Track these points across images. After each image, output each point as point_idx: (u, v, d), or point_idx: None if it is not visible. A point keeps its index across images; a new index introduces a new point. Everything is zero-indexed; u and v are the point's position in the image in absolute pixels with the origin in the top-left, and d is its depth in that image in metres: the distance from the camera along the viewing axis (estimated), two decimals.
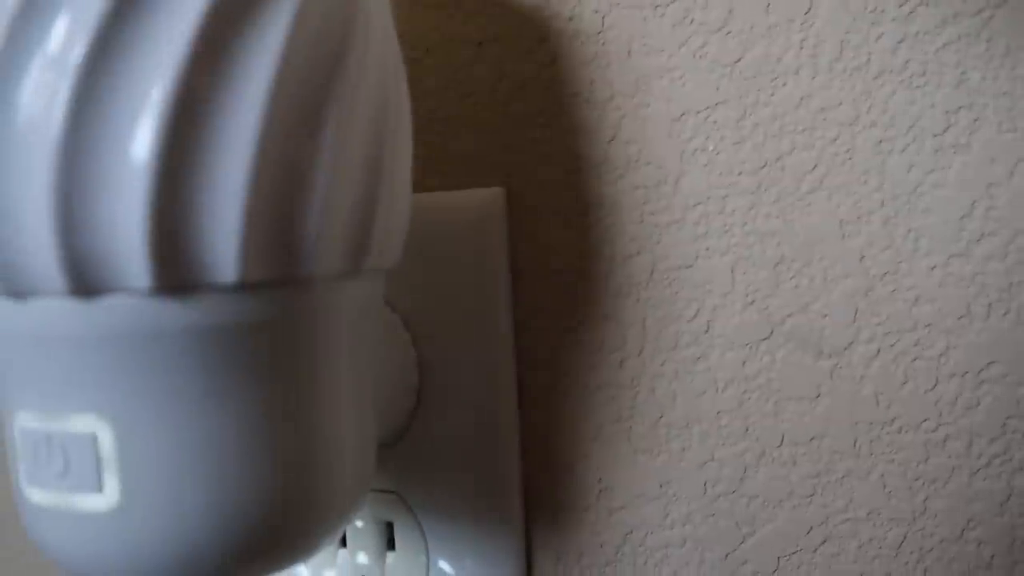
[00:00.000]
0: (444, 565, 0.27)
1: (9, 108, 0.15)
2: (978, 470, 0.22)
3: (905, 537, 0.23)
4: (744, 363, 0.24)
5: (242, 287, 0.16)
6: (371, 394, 0.21)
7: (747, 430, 0.24)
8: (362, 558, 0.28)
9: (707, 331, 0.24)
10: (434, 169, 0.26)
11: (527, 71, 0.25)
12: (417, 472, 0.27)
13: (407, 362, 0.25)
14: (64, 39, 0.15)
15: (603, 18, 0.24)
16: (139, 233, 0.15)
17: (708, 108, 0.24)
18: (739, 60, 0.23)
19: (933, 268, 0.22)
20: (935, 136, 0.22)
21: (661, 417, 0.25)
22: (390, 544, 0.28)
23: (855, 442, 0.23)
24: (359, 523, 0.28)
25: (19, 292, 0.16)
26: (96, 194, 0.15)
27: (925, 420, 0.23)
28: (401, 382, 0.25)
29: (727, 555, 0.25)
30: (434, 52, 0.26)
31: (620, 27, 0.24)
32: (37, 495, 0.17)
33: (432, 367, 0.26)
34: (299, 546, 0.19)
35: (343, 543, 0.29)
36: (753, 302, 0.24)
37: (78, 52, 0.15)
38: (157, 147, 0.15)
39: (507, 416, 0.26)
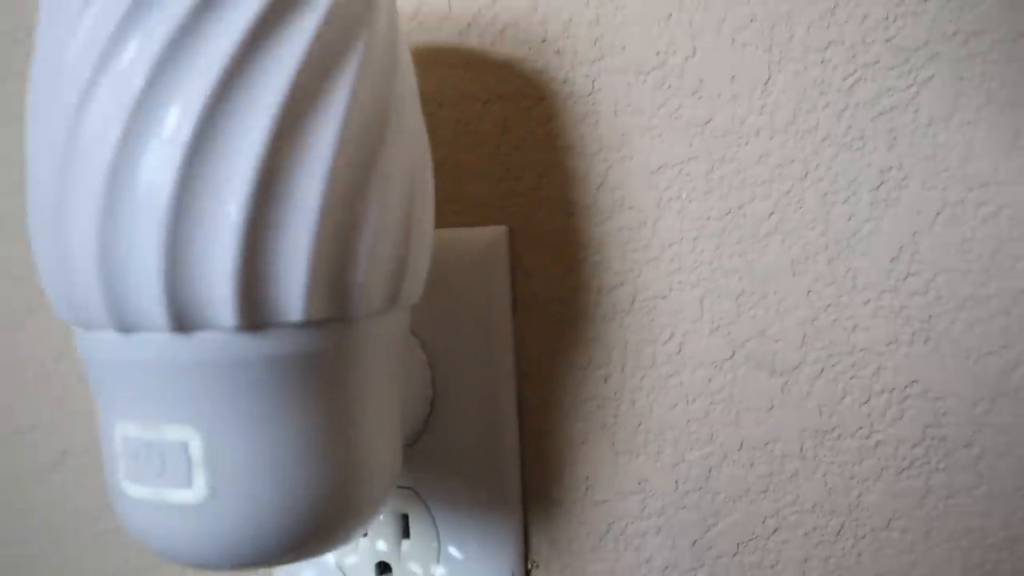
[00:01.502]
0: (453, 550, 0.31)
1: (130, 177, 0.19)
2: (903, 470, 0.27)
3: (843, 527, 0.28)
4: (710, 380, 0.28)
5: (306, 324, 0.20)
6: (400, 407, 0.25)
7: (712, 436, 0.28)
8: (381, 545, 0.33)
9: (679, 352, 0.28)
10: (446, 209, 0.30)
11: (527, 126, 0.29)
12: (430, 470, 0.31)
13: (424, 378, 0.30)
14: (175, 123, 0.19)
15: (593, 82, 0.29)
16: (228, 284, 0.19)
17: (682, 162, 0.28)
18: (709, 121, 0.28)
19: (867, 302, 0.27)
20: (871, 191, 0.26)
21: (639, 425, 0.29)
22: (405, 533, 0.32)
23: (802, 447, 0.28)
24: None
25: (127, 328, 0.20)
26: (195, 251, 0.19)
27: (860, 428, 0.27)
28: (418, 394, 0.29)
29: (695, 542, 0.29)
30: (447, 106, 0.30)
31: (608, 90, 0.28)
32: (135, 490, 0.21)
33: (444, 382, 0.30)
34: (341, 534, 0.23)
35: (364, 532, 0.33)
36: (718, 328, 0.28)
37: (185, 132, 0.19)
38: (244, 213, 0.19)
39: (508, 423, 0.31)
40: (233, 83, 0.19)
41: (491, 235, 0.30)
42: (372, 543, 0.33)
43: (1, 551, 0.40)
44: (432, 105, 0.30)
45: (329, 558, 0.34)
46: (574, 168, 0.29)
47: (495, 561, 0.31)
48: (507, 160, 0.30)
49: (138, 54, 0.19)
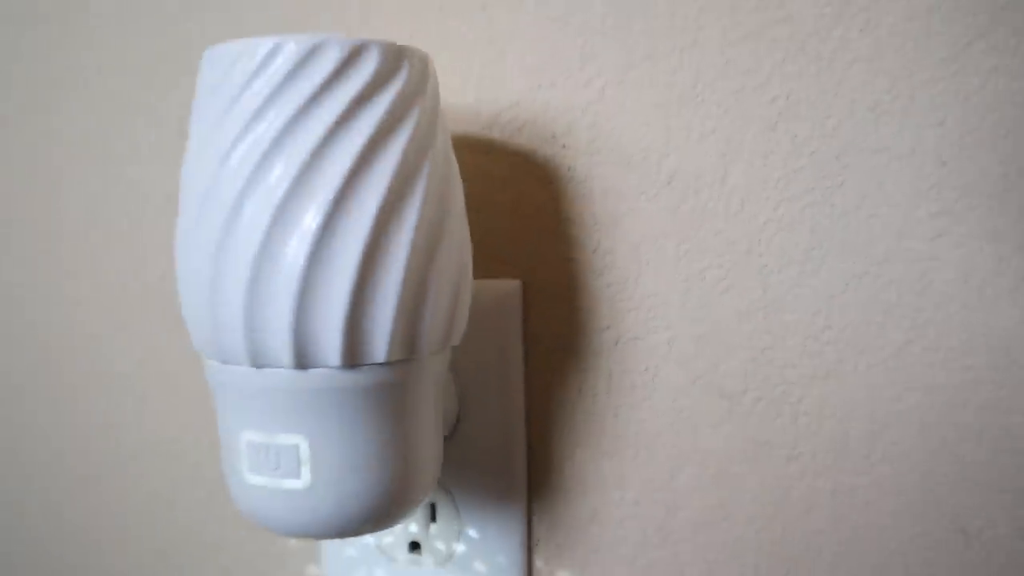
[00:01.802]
0: (472, 531, 0.40)
1: (271, 260, 0.27)
2: (818, 474, 0.35)
3: (775, 515, 0.36)
4: (674, 401, 0.37)
5: (387, 363, 0.29)
6: (441, 421, 0.33)
7: (675, 445, 0.37)
8: (412, 528, 0.41)
9: (652, 380, 0.37)
10: (473, 265, 0.39)
11: (537, 201, 0.38)
12: (455, 468, 0.39)
13: (452, 396, 0.38)
14: (306, 222, 0.27)
15: (590, 170, 0.37)
16: (337, 336, 0.27)
17: (657, 236, 0.36)
18: (678, 206, 0.36)
19: (795, 346, 0.35)
20: (799, 264, 0.35)
21: (620, 435, 0.38)
22: (433, 517, 0.41)
23: (745, 454, 0.36)
24: None
25: (259, 364, 0.28)
26: (315, 312, 0.27)
27: (787, 441, 0.36)
28: (449, 410, 0.38)
29: (660, 527, 0.38)
30: (473, 182, 0.38)
31: (601, 178, 0.37)
32: (256, 480, 0.30)
33: (468, 400, 0.38)
34: (401, 513, 0.31)
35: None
36: (682, 363, 0.37)
37: (313, 228, 0.27)
38: (351, 285, 0.27)
39: (517, 432, 0.39)
40: (346, 193, 0.27)
41: (508, 287, 0.38)
42: (405, 526, 0.41)
43: (89, 525, 0.48)
44: (464, 182, 0.39)
45: (369, 539, 0.42)
46: (574, 236, 0.37)
47: (505, 540, 0.40)
48: (520, 227, 0.38)
49: (281, 174, 0.27)
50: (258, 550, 0.45)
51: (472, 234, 0.38)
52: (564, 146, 0.37)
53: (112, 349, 0.46)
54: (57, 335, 0.48)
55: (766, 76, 0.34)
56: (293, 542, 0.44)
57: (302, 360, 0.28)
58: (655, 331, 0.37)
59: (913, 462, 0.34)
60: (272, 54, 0.27)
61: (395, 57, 0.28)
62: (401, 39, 0.38)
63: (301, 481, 0.29)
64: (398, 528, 0.41)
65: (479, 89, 0.38)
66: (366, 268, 0.27)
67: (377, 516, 0.30)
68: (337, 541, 0.42)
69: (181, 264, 0.30)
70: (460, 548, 0.40)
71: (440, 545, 0.41)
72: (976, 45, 0.32)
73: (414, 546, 0.41)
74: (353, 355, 0.28)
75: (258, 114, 0.27)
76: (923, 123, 0.33)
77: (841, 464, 0.35)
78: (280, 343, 0.28)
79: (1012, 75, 0.31)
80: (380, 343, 0.28)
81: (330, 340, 0.28)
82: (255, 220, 0.27)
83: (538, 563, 0.40)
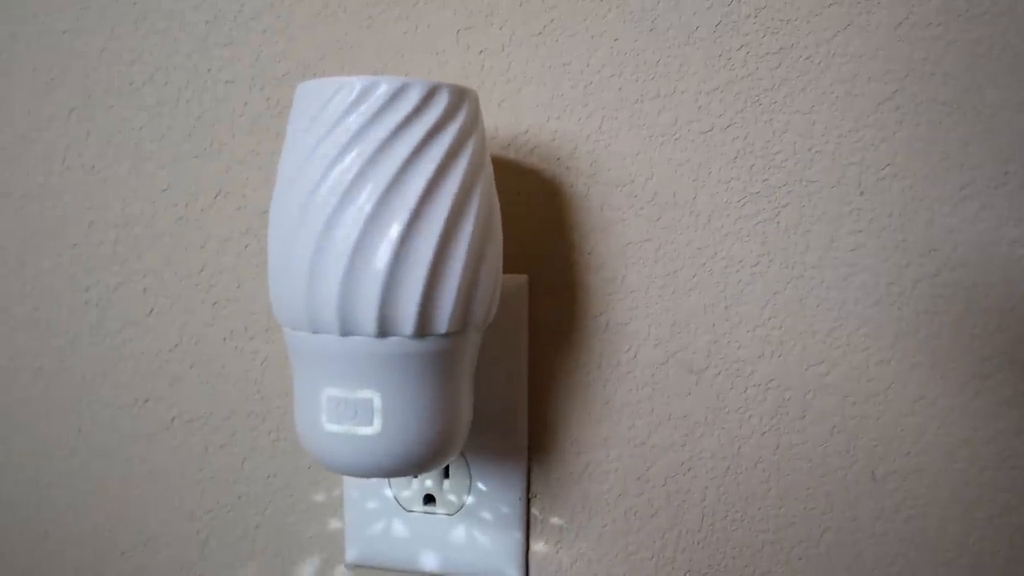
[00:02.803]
0: (480, 484, 0.48)
1: (362, 260, 0.35)
2: (764, 433, 0.45)
3: (728, 467, 0.46)
4: (652, 375, 0.46)
5: (446, 334, 0.37)
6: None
7: (652, 410, 0.46)
8: (428, 482, 0.49)
9: (635, 358, 0.46)
10: None
11: (544, 212, 0.46)
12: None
13: None
14: (391, 232, 0.35)
15: (588, 188, 0.46)
16: (413, 314, 0.35)
17: (641, 242, 0.45)
18: (659, 219, 0.45)
19: (747, 332, 0.45)
20: (751, 267, 0.44)
21: (607, 403, 0.46)
22: (446, 474, 0.48)
23: (706, 418, 0.45)
24: None
25: (346, 334, 0.36)
26: (397, 298, 0.35)
27: (740, 407, 0.45)
28: None
29: (638, 477, 0.47)
30: None
31: (597, 195, 0.46)
32: (335, 428, 0.37)
33: (481, 374, 0.46)
34: (448, 456, 0.39)
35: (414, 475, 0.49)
36: (658, 344, 0.46)
37: (395, 236, 0.35)
38: (425, 278, 0.35)
39: (520, 402, 0.47)
40: (421, 209, 0.35)
41: (517, 281, 0.46)
42: (421, 481, 0.49)
43: (126, 495, 0.54)
44: None
45: (388, 491, 0.49)
46: (574, 240, 0.46)
47: (508, 492, 0.48)
48: (529, 232, 0.46)
49: (368, 194, 0.35)
50: (286, 507, 0.52)
51: None
52: (568, 168, 0.46)
53: (151, 332, 0.52)
54: (94, 321, 0.53)
55: (730, 120, 0.44)
56: (318, 497, 0.51)
57: (382, 331, 0.36)
58: (637, 318, 0.46)
59: (836, 422, 0.44)
60: (366, 92, 0.35)
61: (459, 97, 0.37)
62: (434, 76, 0.46)
63: (373, 428, 0.37)
64: (415, 483, 0.49)
65: (498, 117, 0.46)
66: (436, 265, 0.35)
67: (430, 457, 0.38)
68: (358, 496, 0.50)
69: (279, 260, 0.37)
70: (470, 500, 0.48)
71: (452, 497, 0.48)
72: (887, 104, 0.42)
73: (428, 499, 0.49)
74: (423, 327, 0.36)
75: (351, 142, 0.35)
76: (847, 162, 0.43)
77: (781, 425, 0.45)
78: (367, 318, 0.35)
79: (913, 128, 0.42)
80: (443, 319, 0.36)
81: (407, 316, 0.35)
82: (347, 232, 0.35)
83: (535, 512, 0.48)
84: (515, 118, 0.46)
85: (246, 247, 0.50)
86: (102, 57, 0.51)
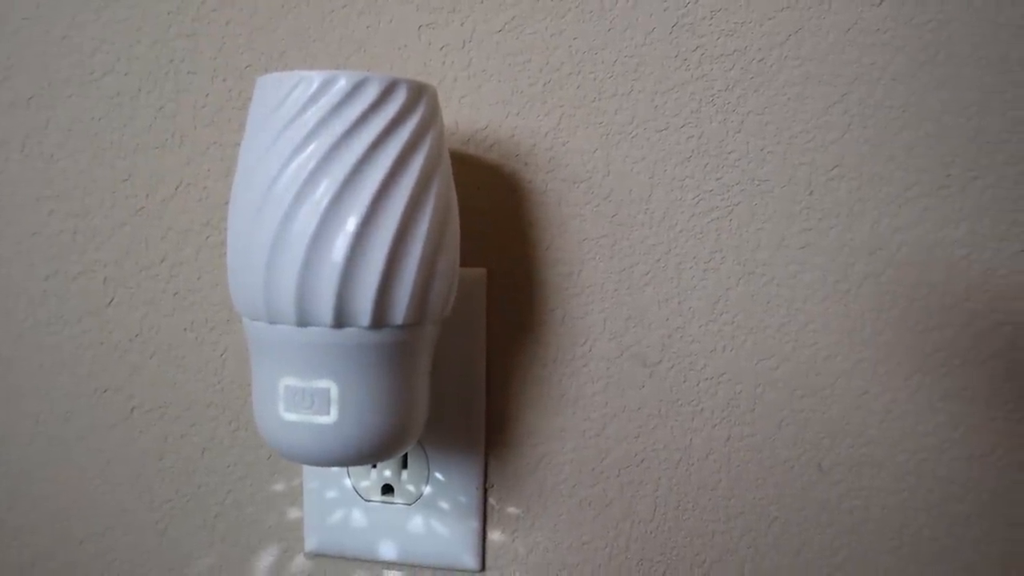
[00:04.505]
0: (438, 474, 0.49)
1: (319, 252, 0.35)
2: (716, 425, 0.46)
3: (681, 458, 0.47)
4: (607, 368, 0.47)
5: (403, 326, 0.37)
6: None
7: (607, 403, 0.47)
8: (386, 472, 0.49)
9: (590, 351, 0.47)
10: None
11: (503, 206, 0.47)
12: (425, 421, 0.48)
13: None
14: (348, 224, 0.35)
15: (546, 184, 0.47)
16: (369, 305, 0.36)
17: (597, 238, 0.46)
18: (614, 215, 0.46)
19: (699, 327, 0.46)
20: (704, 263, 0.45)
21: (563, 396, 0.47)
22: (404, 464, 0.49)
23: (659, 410, 0.47)
24: None
25: (304, 324, 0.36)
26: (353, 288, 0.36)
27: (692, 400, 0.46)
28: None
29: (593, 469, 0.48)
30: None
31: (555, 191, 0.46)
32: (292, 417, 0.37)
33: (439, 366, 0.47)
34: (404, 446, 0.40)
35: (374, 465, 0.49)
36: (613, 338, 0.47)
37: (352, 228, 0.35)
38: (382, 268, 0.36)
39: (478, 394, 0.48)
40: (378, 203, 0.36)
41: (475, 274, 0.47)
42: (380, 471, 0.49)
43: (85, 485, 0.54)
44: None
45: (347, 481, 0.50)
46: (531, 235, 0.47)
47: (465, 482, 0.49)
48: (488, 225, 0.47)
49: (326, 188, 0.35)
50: (245, 497, 0.52)
51: None
52: (526, 164, 0.46)
53: (111, 322, 0.52)
54: (58, 309, 0.53)
55: (685, 120, 0.45)
56: (277, 487, 0.52)
57: (339, 322, 0.36)
58: (593, 312, 0.47)
59: (784, 415, 0.46)
60: (325, 86, 0.36)
61: (417, 92, 0.37)
62: (395, 71, 0.46)
63: (330, 417, 0.37)
64: (373, 473, 0.49)
65: (458, 113, 0.47)
66: (392, 258, 0.36)
67: (387, 446, 0.39)
68: (318, 486, 0.50)
69: (238, 251, 0.37)
70: (428, 490, 0.49)
71: (410, 487, 0.49)
72: (836, 107, 0.43)
73: (387, 489, 0.49)
74: (379, 319, 0.36)
75: (309, 136, 0.36)
76: (797, 162, 0.44)
77: (732, 417, 0.46)
78: (324, 309, 0.36)
79: (860, 130, 0.43)
80: (399, 311, 0.37)
81: (363, 308, 0.36)
82: (304, 224, 0.35)
83: (492, 502, 0.49)
84: (475, 113, 0.47)
85: (207, 238, 0.50)
86: (62, 45, 0.51)
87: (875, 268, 0.44)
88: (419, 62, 0.47)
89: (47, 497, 0.55)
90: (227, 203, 0.50)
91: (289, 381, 0.37)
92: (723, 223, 0.45)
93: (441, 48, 0.46)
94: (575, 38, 0.45)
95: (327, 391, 0.37)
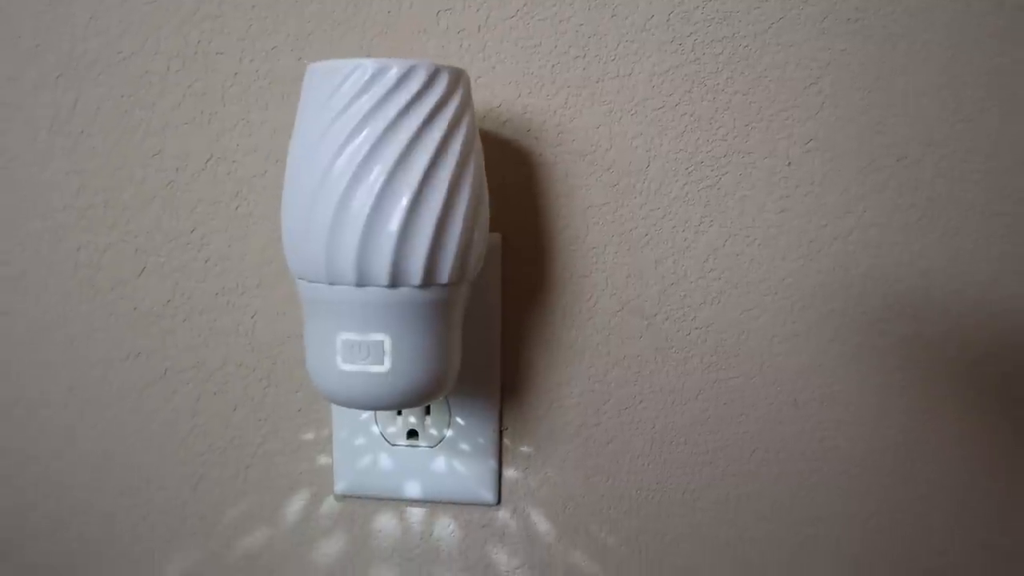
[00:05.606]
0: (459, 419, 0.54)
1: (376, 226, 0.40)
2: (704, 369, 0.53)
3: (673, 400, 0.53)
4: (609, 321, 0.53)
5: (447, 284, 0.42)
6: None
7: (609, 352, 0.53)
8: (411, 419, 0.54)
9: (595, 306, 0.53)
10: None
11: (516, 177, 0.52)
12: None
13: None
14: (401, 202, 0.40)
15: (555, 157, 0.52)
16: (420, 267, 0.41)
17: (599, 205, 0.52)
18: (616, 185, 0.52)
19: (691, 282, 0.52)
20: (695, 227, 0.51)
21: (571, 347, 0.53)
22: (427, 411, 0.54)
23: (655, 356, 0.53)
24: None
25: (362, 284, 0.41)
26: (407, 254, 0.40)
27: (684, 347, 0.52)
28: None
29: (596, 411, 0.54)
30: None
31: (563, 163, 0.52)
32: (349, 368, 0.42)
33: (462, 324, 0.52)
34: (444, 391, 0.45)
35: (399, 412, 0.54)
36: (615, 294, 0.52)
37: (405, 204, 0.40)
38: (431, 236, 0.41)
39: (494, 348, 0.53)
40: (425, 181, 0.40)
41: (492, 238, 0.52)
42: (405, 418, 0.54)
43: (122, 442, 0.58)
44: None
45: (375, 428, 0.55)
46: (541, 204, 0.52)
47: (483, 426, 0.54)
48: (503, 195, 0.52)
49: (379, 171, 0.40)
50: (276, 448, 0.57)
51: None
52: (537, 139, 0.52)
53: (142, 290, 0.56)
54: (92, 277, 0.56)
55: (679, 99, 0.50)
56: (307, 436, 0.56)
57: (394, 281, 0.41)
58: (597, 272, 0.52)
59: (764, 359, 0.52)
60: (377, 74, 0.40)
61: (456, 78, 0.42)
62: (416, 54, 0.51)
63: (384, 367, 0.42)
64: (399, 420, 0.54)
65: (474, 93, 0.51)
66: (440, 227, 0.41)
67: (431, 390, 0.44)
68: (347, 434, 0.55)
69: (299, 224, 0.41)
70: (449, 433, 0.54)
71: (434, 431, 0.54)
72: (812, 88, 0.49)
73: (412, 434, 0.55)
74: (429, 279, 0.41)
75: (363, 122, 0.40)
76: (777, 136, 0.50)
77: (719, 362, 0.53)
78: (381, 272, 0.41)
79: (833, 108, 0.49)
80: (445, 270, 0.42)
81: (415, 269, 0.41)
82: (361, 203, 0.40)
83: (507, 442, 0.55)
84: (490, 93, 0.51)
85: (236, 208, 0.54)
86: (90, 27, 0.53)
87: (843, 229, 0.50)
88: (438, 45, 0.51)
89: (87, 453, 0.58)
90: (255, 176, 0.54)
91: (347, 335, 0.42)
92: (712, 191, 0.51)
93: (459, 32, 0.51)
94: (581, 24, 0.50)
95: (381, 343, 0.42)
